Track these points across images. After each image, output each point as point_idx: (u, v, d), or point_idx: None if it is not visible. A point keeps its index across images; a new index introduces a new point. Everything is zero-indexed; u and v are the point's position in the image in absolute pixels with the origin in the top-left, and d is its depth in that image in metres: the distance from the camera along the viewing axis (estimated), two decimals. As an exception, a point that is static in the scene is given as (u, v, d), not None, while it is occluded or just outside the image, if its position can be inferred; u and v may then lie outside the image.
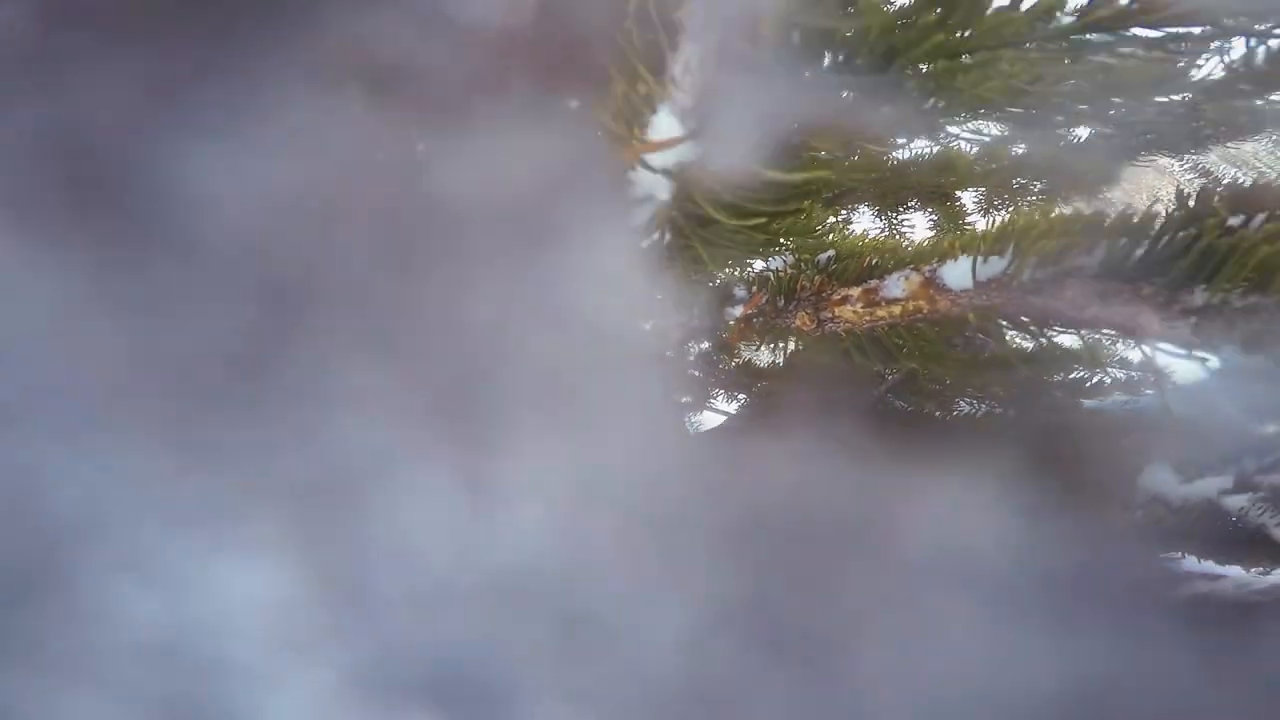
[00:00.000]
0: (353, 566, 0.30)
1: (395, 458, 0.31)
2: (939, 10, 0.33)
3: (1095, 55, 0.39)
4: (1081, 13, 0.37)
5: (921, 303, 0.53)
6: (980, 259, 0.48)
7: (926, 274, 0.54)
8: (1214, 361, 0.40)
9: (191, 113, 0.25)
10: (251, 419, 0.27)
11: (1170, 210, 0.44)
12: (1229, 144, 1.40)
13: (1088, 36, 0.37)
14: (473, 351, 0.33)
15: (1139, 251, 0.41)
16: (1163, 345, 0.37)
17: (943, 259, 0.53)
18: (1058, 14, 0.37)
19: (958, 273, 0.50)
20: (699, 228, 0.42)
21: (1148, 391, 1.12)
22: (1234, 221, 0.40)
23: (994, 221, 0.55)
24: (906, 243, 0.88)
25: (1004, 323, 0.56)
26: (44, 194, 0.24)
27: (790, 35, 0.30)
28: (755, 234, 0.48)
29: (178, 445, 0.26)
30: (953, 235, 0.69)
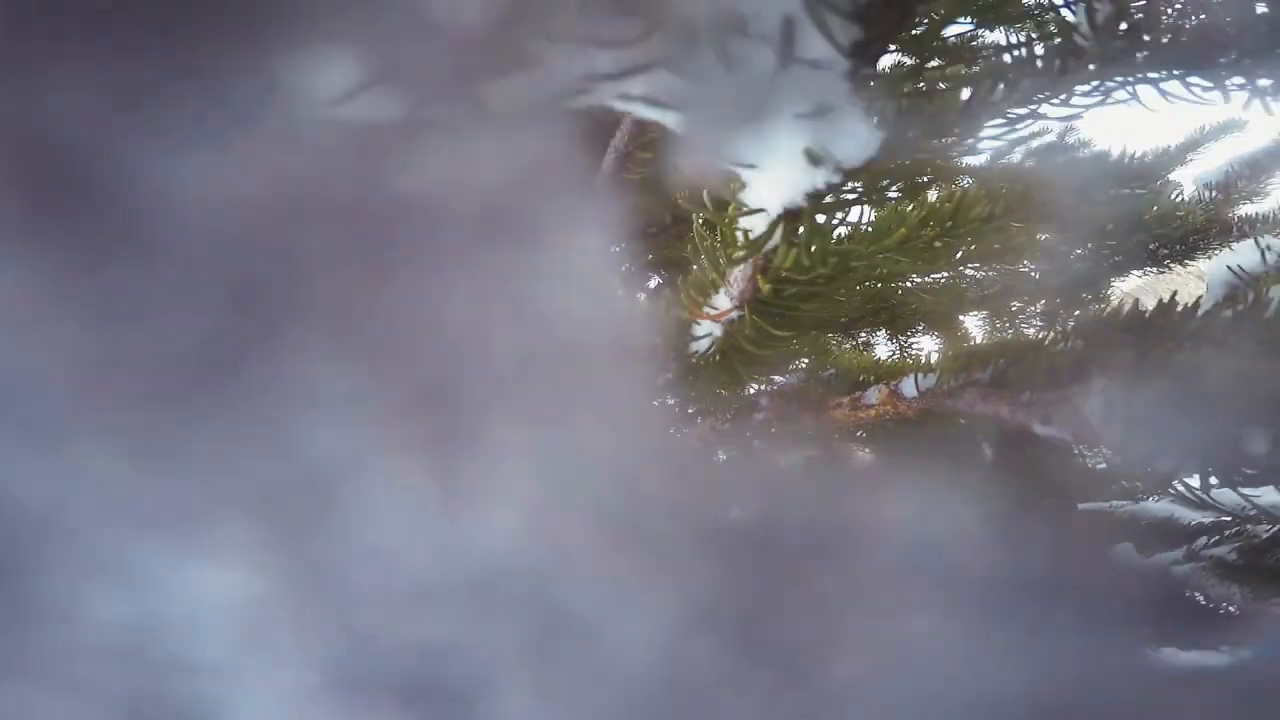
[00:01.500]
0: (325, 567, 0.30)
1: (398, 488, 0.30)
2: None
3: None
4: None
5: (888, 407, 0.76)
6: (921, 375, 0.72)
7: (892, 387, 0.78)
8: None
9: (160, 112, 0.25)
10: (222, 418, 0.27)
11: (1047, 336, 0.68)
12: (1185, 261, 1.67)
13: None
14: (459, 381, 0.32)
15: (1013, 368, 0.65)
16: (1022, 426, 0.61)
17: (901, 376, 0.78)
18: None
19: (909, 386, 0.74)
20: (738, 354, 0.66)
21: (1141, 498, 1.30)
22: (1071, 344, 0.64)
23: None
24: (899, 362, 1.13)
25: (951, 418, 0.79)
26: (6, 192, 0.24)
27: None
28: (775, 357, 0.72)
29: (147, 445, 0.26)
30: (909, 359, 0.94)
